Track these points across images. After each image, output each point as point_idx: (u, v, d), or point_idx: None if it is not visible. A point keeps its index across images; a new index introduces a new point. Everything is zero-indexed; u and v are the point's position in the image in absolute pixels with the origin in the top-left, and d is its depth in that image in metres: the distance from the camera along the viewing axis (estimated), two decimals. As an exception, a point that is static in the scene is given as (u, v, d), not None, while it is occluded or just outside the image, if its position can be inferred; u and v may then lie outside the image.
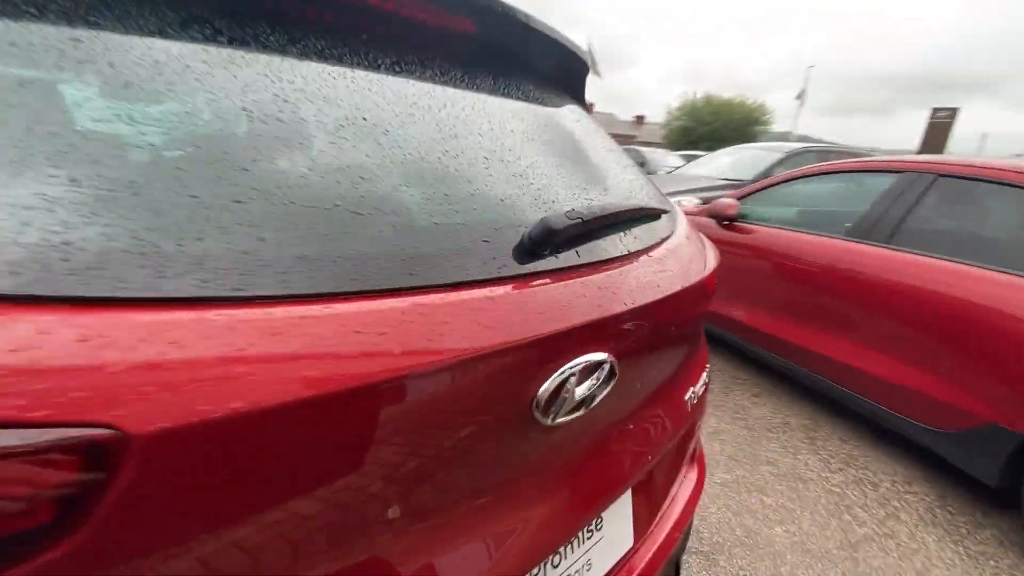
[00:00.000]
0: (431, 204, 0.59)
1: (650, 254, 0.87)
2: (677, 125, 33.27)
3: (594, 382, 0.66)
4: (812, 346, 2.77)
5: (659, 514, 1.08)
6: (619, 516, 0.93)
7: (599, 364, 0.67)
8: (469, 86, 0.79)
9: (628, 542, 0.97)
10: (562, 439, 0.68)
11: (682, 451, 1.17)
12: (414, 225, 0.55)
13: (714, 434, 2.69)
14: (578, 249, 0.71)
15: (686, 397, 1.05)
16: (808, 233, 2.90)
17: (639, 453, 0.89)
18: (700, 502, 2.15)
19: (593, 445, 0.76)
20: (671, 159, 10.84)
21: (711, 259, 1.07)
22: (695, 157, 7.91)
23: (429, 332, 0.48)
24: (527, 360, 0.57)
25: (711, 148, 7.68)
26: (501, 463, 0.59)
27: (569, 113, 1.07)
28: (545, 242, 0.64)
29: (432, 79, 0.75)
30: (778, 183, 3.33)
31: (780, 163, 5.43)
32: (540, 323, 0.58)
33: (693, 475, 1.30)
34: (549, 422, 0.61)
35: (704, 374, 1.19)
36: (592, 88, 1.27)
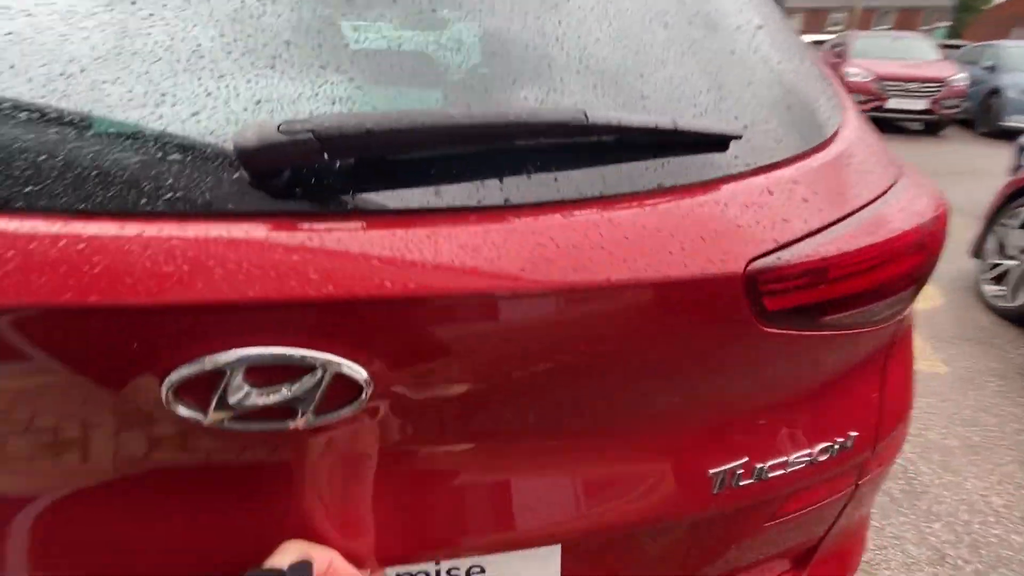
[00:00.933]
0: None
1: (591, 210, 0.48)
2: None
3: (287, 393, 0.43)
4: None
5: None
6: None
7: (305, 369, 0.43)
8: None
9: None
10: (271, 448, 0.48)
11: (739, 542, 0.72)
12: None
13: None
14: (358, 189, 0.45)
15: (713, 471, 0.61)
16: None
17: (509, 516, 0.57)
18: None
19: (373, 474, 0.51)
20: None
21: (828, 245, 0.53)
22: None
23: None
24: (140, 330, 0.41)
25: None
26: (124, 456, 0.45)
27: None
28: (245, 166, 0.42)
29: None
30: None
31: None
32: (164, 288, 0.40)
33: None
34: (206, 420, 0.44)
35: (825, 446, 0.67)
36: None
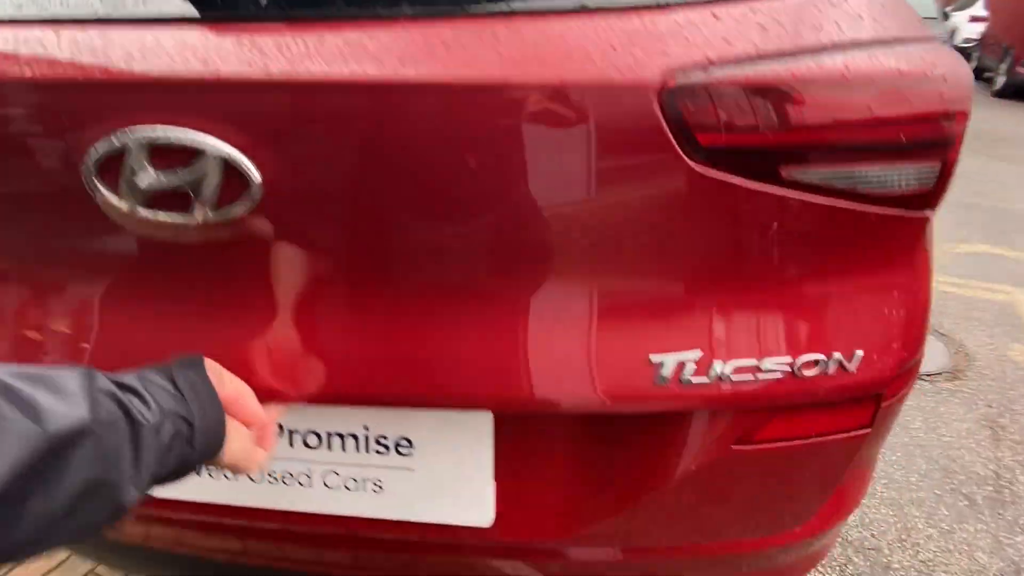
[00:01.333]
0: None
1: (494, 21, 0.45)
2: None
3: (184, 176, 0.46)
4: None
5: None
6: (454, 458, 0.62)
7: (197, 152, 0.45)
8: None
9: (480, 516, 0.64)
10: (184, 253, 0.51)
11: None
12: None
13: None
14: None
15: (655, 357, 0.54)
16: None
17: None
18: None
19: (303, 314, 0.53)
20: None
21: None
22: None
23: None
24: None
25: None
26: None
27: None
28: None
29: None
30: None
31: None
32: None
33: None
34: (125, 208, 0.48)
35: (812, 359, 0.56)
36: None
